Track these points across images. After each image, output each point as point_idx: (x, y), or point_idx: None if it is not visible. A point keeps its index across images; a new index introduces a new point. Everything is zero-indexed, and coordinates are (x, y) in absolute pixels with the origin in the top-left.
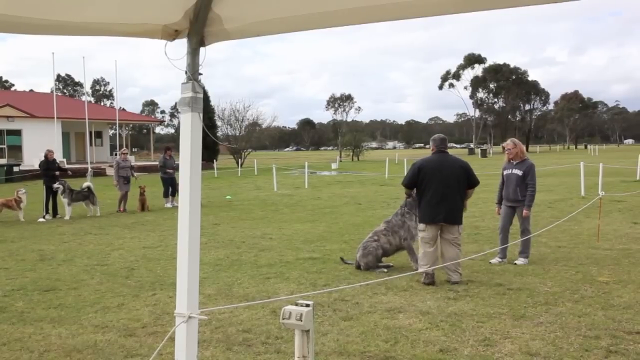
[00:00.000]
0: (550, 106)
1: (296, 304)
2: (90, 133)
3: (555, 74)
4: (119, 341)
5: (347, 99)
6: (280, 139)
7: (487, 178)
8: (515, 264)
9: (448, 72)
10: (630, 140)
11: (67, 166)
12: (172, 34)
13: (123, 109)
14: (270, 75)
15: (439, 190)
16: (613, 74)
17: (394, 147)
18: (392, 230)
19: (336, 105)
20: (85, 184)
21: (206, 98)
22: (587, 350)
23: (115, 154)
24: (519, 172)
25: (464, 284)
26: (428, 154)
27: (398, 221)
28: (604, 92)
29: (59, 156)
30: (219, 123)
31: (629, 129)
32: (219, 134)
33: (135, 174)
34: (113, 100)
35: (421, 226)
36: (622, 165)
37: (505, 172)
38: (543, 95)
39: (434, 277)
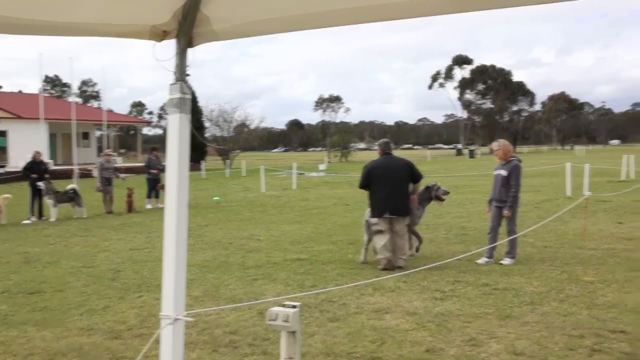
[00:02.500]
0: (538, 107)
1: (283, 305)
2: (77, 134)
3: (542, 75)
4: (105, 344)
5: (336, 100)
6: (268, 140)
7: (473, 179)
8: (502, 264)
9: (438, 73)
10: (616, 141)
11: (52, 167)
12: (160, 35)
13: (110, 110)
14: (258, 76)
15: (385, 188)
16: (599, 75)
17: None
18: None
19: (324, 106)
20: (70, 186)
21: (194, 99)
22: (571, 349)
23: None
24: (504, 173)
25: (450, 284)
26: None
27: (413, 206)
28: (589, 93)
29: (45, 157)
30: (207, 124)
31: (614, 130)
32: (207, 135)
33: (122, 175)
34: (101, 101)
35: (373, 220)
36: (607, 165)
37: (494, 173)
38: (530, 96)
39: (391, 264)
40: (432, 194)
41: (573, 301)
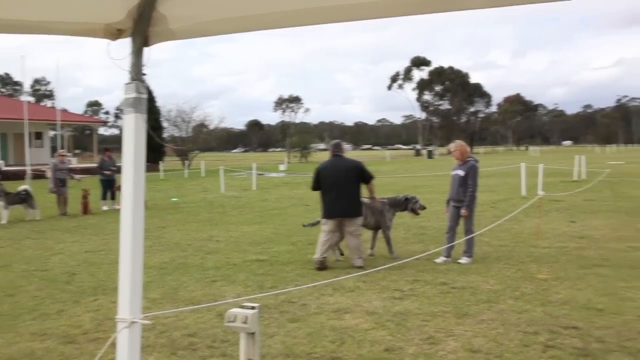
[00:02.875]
0: (494, 109)
1: (242, 307)
2: (30, 134)
3: (498, 77)
4: (58, 349)
5: (295, 100)
6: (228, 140)
7: (431, 179)
8: (459, 263)
9: (397, 74)
10: (568, 142)
11: (4, 168)
12: (115, 34)
13: (65, 110)
14: (217, 76)
15: (334, 189)
16: (552, 77)
17: None
18: (371, 209)
19: (284, 107)
20: (22, 187)
21: (152, 99)
22: (526, 346)
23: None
24: (462, 173)
25: (409, 283)
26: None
27: (379, 207)
28: (543, 95)
29: None
30: (165, 124)
31: (567, 131)
32: (165, 135)
33: (77, 176)
34: (54, 100)
35: (323, 220)
36: (560, 166)
37: (451, 173)
38: (486, 97)
39: (324, 264)
40: (409, 206)
41: (528, 299)
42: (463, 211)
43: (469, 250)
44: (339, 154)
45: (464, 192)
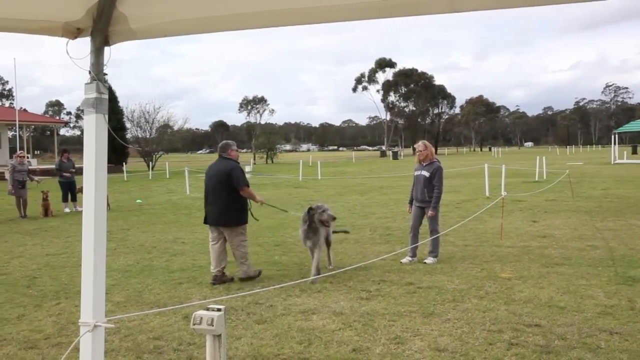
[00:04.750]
0: (457, 110)
1: (207, 309)
2: None
3: (460, 79)
4: (19, 354)
5: (261, 101)
6: (192, 141)
7: (397, 180)
8: (425, 263)
9: (362, 75)
10: (529, 143)
11: None
12: (74, 32)
13: (24, 110)
14: (180, 77)
15: (207, 194)
16: (513, 79)
17: (308, 150)
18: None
19: (249, 108)
20: None
21: (114, 99)
22: (491, 344)
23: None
24: (427, 174)
25: (376, 283)
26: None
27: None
28: (504, 97)
29: None
30: (128, 125)
31: (528, 132)
32: (129, 136)
33: (37, 178)
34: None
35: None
36: (522, 166)
37: (415, 173)
38: (450, 99)
39: (220, 278)
40: (316, 217)
41: (492, 297)
42: (430, 212)
43: (434, 250)
44: (223, 155)
45: (429, 192)
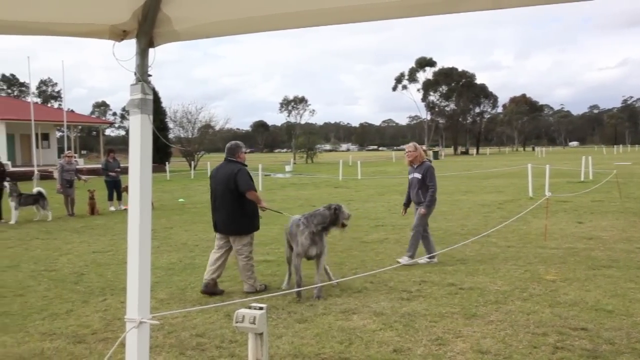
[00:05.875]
0: (499, 109)
1: (250, 307)
2: (37, 135)
3: (502, 77)
4: (68, 348)
5: (301, 101)
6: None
7: (438, 180)
8: (398, 262)
9: (402, 74)
10: (575, 143)
11: (11, 169)
12: (120, 35)
13: (72, 110)
14: (221, 77)
15: (212, 200)
16: (556, 78)
17: (348, 149)
18: (292, 237)
19: (290, 108)
20: (37, 189)
21: (157, 100)
22: (535, 347)
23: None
24: (419, 176)
25: (417, 284)
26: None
27: (293, 230)
28: (548, 95)
29: (2, 159)
30: (170, 125)
31: (573, 132)
32: (171, 136)
33: (84, 177)
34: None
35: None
36: (567, 167)
37: (409, 177)
38: (492, 98)
39: (210, 287)
40: (340, 219)
41: (536, 300)
42: (422, 210)
43: (410, 249)
44: (230, 158)
45: (424, 193)
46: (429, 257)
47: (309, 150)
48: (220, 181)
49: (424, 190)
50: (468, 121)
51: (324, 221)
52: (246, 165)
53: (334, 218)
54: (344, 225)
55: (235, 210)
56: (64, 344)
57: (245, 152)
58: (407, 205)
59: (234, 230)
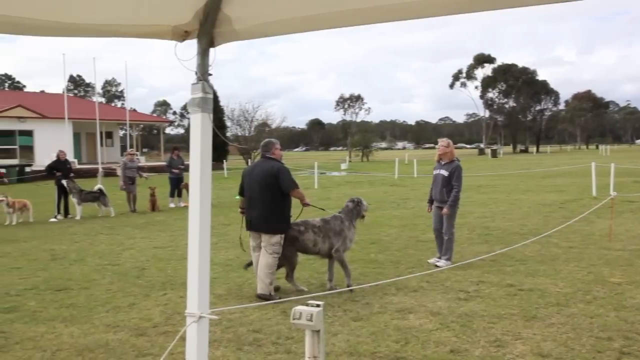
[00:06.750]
0: (561, 106)
1: (306, 304)
2: (101, 133)
3: (564, 73)
4: (131, 340)
5: (357, 99)
6: (289, 139)
7: (496, 179)
8: (437, 266)
9: (460, 71)
10: None
11: (77, 166)
12: (182, 35)
13: (134, 110)
14: (277, 76)
15: (247, 197)
16: (622, 73)
17: (404, 148)
18: (325, 234)
19: (346, 106)
20: (97, 186)
21: (215, 98)
22: (599, 352)
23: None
24: (445, 173)
25: (474, 284)
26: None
27: (336, 227)
28: (613, 91)
29: (70, 157)
30: (228, 123)
31: None
32: (229, 134)
33: (145, 174)
34: (124, 100)
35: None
36: (634, 165)
37: (434, 172)
38: (553, 95)
39: (272, 294)
40: (362, 211)
41: (600, 303)
42: (445, 210)
43: (446, 253)
44: (267, 155)
45: (448, 192)
46: (444, 259)
47: (365, 149)
48: (258, 178)
49: (448, 188)
50: (528, 118)
51: (357, 214)
52: (283, 163)
53: (359, 210)
54: (363, 217)
55: (272, 208)
56: (127, 336)
57: (280, 149)
58: (431, 202)
59: (265, 228)
